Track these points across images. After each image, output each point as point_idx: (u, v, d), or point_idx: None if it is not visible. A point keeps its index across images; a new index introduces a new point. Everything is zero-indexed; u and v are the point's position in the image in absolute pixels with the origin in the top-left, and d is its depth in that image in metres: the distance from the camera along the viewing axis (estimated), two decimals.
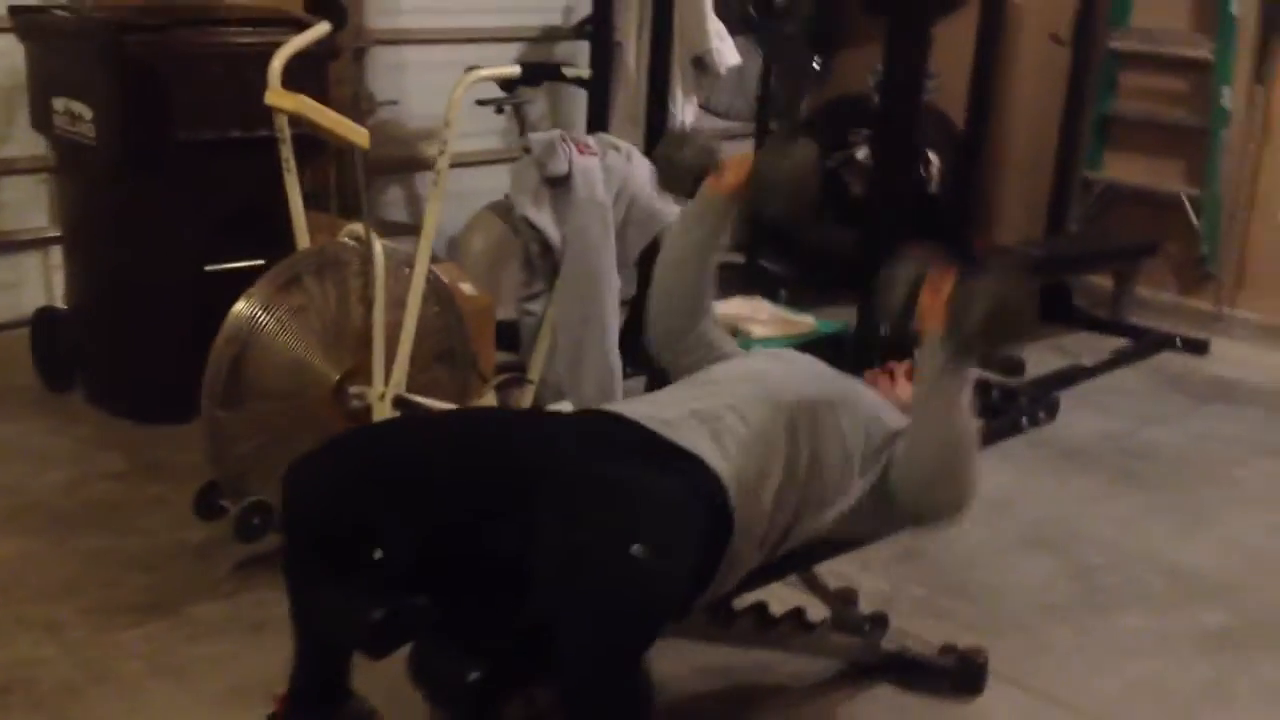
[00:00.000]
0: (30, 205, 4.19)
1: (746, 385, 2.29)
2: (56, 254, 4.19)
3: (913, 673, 2.69)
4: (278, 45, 3.11)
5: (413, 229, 4.71)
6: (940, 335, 2.14)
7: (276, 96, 2.91)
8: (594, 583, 1.76)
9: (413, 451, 2.12)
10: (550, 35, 5.10)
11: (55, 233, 4.15)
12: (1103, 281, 5.37)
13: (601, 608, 1.74)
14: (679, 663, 2.61)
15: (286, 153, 2.95)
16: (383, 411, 2.94)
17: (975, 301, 2.09)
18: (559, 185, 3.35)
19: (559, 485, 1.98)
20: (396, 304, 3.00)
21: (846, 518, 2.29)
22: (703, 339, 2.48)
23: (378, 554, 2.08)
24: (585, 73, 3.49)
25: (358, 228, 2.99)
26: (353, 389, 2.97)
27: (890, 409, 2.40)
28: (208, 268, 3.61)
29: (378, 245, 2.94)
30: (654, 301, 2.49)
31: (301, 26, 3.54)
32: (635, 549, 1.77)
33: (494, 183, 4.56)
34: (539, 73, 3.29)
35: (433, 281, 3.11)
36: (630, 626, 1.77)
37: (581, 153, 3.35)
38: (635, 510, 1.91)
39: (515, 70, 3.15)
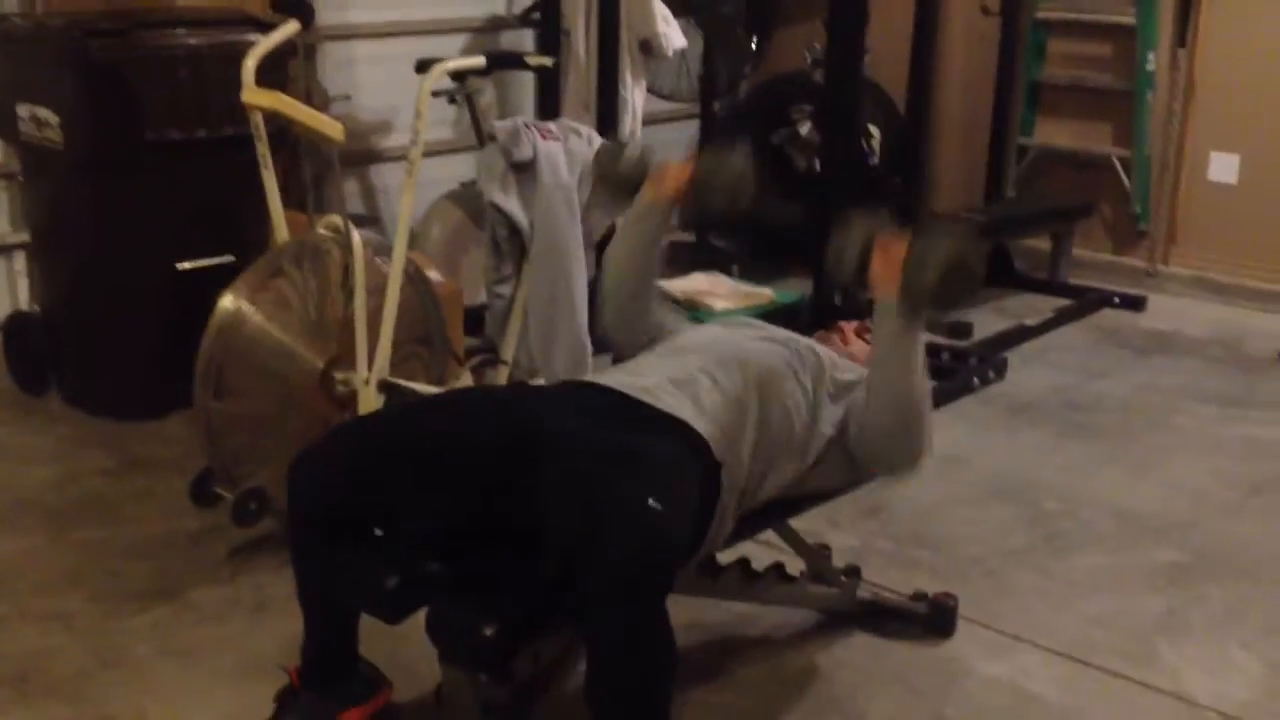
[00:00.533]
0: None
1: (712, 351, 2.41)
2: (20, 260, 4.21)
3: (887, 619, 2.82)
4: (240, 45, 3.16)
5: (369, 220, 4.80)
6: (894, 298, 2.23)
7: (252, 94, 2.97)
8: (620, 535, 1.88)
9: (411, 436, 2.22)
10: (495, 25, 5.17)
11: (18, 239, 4.17)
12: (1040, 244, 5.50)
13: (630, 556, 1.86)
14: None
15: (264, 149, 3.00)
16: (368, 396, 3.02)
17: (930, 261, 2.18)
18: (524, 170, 3.43)
19: (564, 452, 2.10)
20: (375, 291, 3.08)
21: (815, 469, 2.42)
22: (653, 318, 2.61)
23: (379, 533, 2.20)
24: (549, 60, 3.57)
25: (335, 219, 3.07)
26: (338, 375, 3.06)
27: (844, 362, 2.53)
28: (180, 266, 3.68)
29: (356, 235, 3.03)
30: (605, 291, 2.61)
31: (261, 26, 3.61)
32: (651, 502, 1.90)
33: (446, 172, 4.63)
34: (503, 62, 3.37)
35: (409, 268, 3.19)
36: (656, 572, 1.90)
37: (545, 138, 3.43)
38: (643, 469, 2.04)
39: (481, 61, 3.22)
